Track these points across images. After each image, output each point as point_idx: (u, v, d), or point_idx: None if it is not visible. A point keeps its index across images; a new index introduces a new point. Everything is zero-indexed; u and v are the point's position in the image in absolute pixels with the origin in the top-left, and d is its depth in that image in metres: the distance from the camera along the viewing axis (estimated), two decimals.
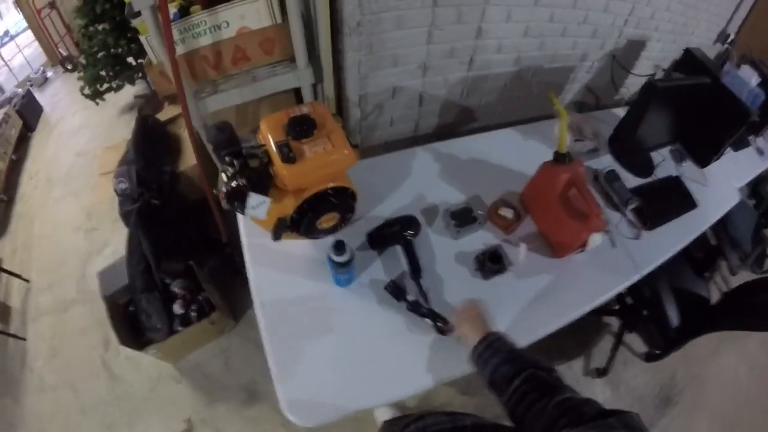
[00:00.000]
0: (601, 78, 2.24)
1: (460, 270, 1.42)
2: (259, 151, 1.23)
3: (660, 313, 1.96)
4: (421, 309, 1.26)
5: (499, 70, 1.88)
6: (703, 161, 1.99)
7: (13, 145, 3.74)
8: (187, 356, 2.31)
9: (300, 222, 1.31)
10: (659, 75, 2.33)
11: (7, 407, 2.31)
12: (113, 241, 2.81)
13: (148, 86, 3.66)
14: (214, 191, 1.29)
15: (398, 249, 1.42)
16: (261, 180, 1.19)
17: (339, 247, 1.20)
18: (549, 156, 1.47)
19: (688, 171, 1.97)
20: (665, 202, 1.77)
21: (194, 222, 2.42)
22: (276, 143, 1.18)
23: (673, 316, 1.94)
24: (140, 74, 3.29)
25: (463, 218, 1.49)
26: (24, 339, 2.55)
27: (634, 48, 2.16)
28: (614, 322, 2.56)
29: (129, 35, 3.01)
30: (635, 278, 1.52)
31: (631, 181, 1.81)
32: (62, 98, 4.49)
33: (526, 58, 1.89)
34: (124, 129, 3.62)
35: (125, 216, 2.17)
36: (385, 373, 1.20)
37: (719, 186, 1.98)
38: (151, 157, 2.34)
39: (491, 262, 1.37)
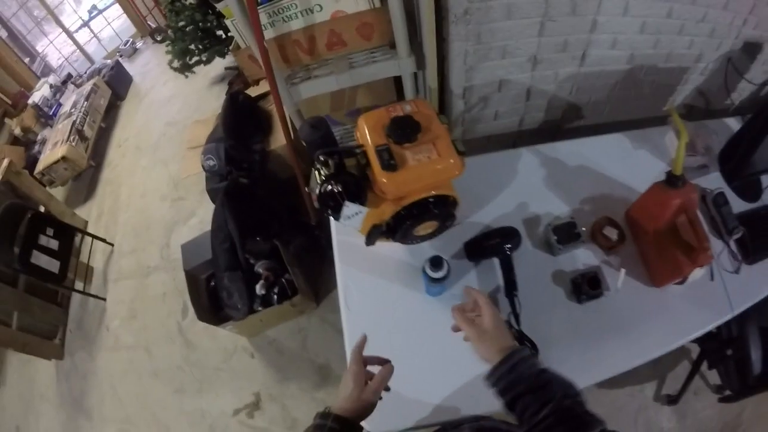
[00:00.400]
0: (713, 81, 1.93)
1: (555, 290, 1.26)
2: (357, 151, 1.08)
3: (743, 356, 1.70)
4: (511, 329, 1.13)
5: (611, 68, 1.66)
6: None
7: (102, 114, 3.79)
8: (265, 332, 2.25)
9: (397, 229, 1.17)
10: None
11: (82, 360, 2.38)
12: (199, 212, 2.78)
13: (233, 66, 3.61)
14: (306, 189, 1.16)
15: (494, 261, 1.27)
16: (358, 187, 1.03)
17: (437, 263, 1.10)
18: (659, 170, 1.31)
19: None
20: (763, 236, 1.44)
21: (283, 201, 2.30)
22: (376, 148, 1.03)
23: (757, 363, 1.68)
24: (229, 48, 3.21)
25: (565, 234, 1.29)
26: (104, 299, 2.61)
27: (751, 51, 1.84)
28: (694, 348, 2.20)
29: (217, 10, 2.93)
30: (728, 317, 1.30)
31: (734, 203, 1.50)
32: (152, 68, 4.50)
33: (640, 56, 1.66)
34: (215, 100, 3.57)
35: (212, 193, 2.10)
36: (465, 390, 1.10)
37: None
38: (241, 135, 2.22)
39: (589, 287, 1.21)
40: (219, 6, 1.35)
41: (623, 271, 1.27)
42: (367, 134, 1.06)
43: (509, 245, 1.25)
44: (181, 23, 2.92)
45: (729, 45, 1.80)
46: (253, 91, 2.69)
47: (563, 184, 1.46)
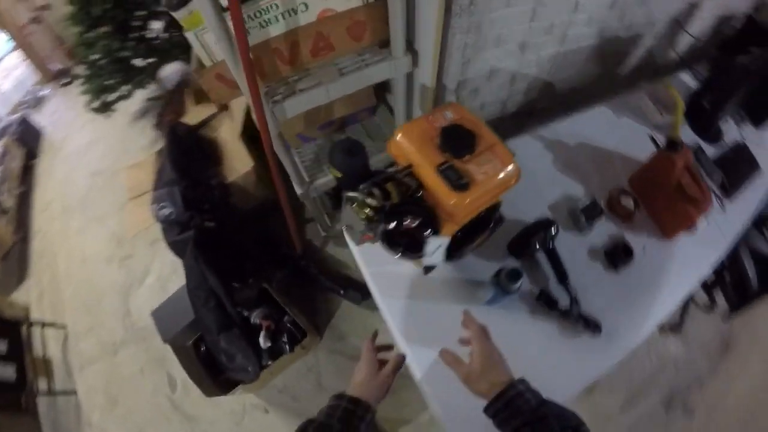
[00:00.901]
0: (661, 42, 2.02)
1: (593, 265, 1.26)
2: (402, 175, 0.83)
3: (741, 276, 1.84)
4: (574, 316, 1.10)
5: (584, 44, 1.61)
6: (759, 122, 1.82)
7: (18, 177, 3.15)
8: (272, 382, 1.90)
9: (457, 249, 0.98)
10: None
11: None
12: (155, 268, 2.30)
13: (162, 87, 3.10)
14: (344, 228, 0.89)
15: (538, 255, 1.19)
16: (434, 216, 0.79)
17: (516, 275, 0.99)
18: (643, 133, 1.56)
19: (747, 133, 1.81)
20: (737, 170, 1.65)
21: (254, 235, 1.96)
22: (439, 167, 0.79)
23: (754, 279, 1.82)
24: (152, 77, 2.75)
25: (591, 213, 1.30)
26: (74, 393, 2.08)
27: (693, 11, 1.95)
28: None
29: (134, 35, 2.45)
30: (727, 249, 1.44)
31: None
32: (63, 115, 3.73)
33: (607, 29, 1.63)
34: (142, 138, 3.03)
35: (175, 246, 1.71)
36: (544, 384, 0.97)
37: None
38: (194, 173, 1.83)
39: (625, 255, 1.24)
40: (178, 15, 1.01)
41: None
42: (416, 151, 0.81)
43: (552, 237, 1.17)
44: (95, 56, 2.43)
45: (678, 8, 1.86)
46: (189, 119, 2.27)
47: (569, 164, 1.44)
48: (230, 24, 0.92)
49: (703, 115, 1.67)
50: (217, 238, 1.72)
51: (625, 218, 1.35)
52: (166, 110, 2.84)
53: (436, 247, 0.78)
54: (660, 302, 1.25)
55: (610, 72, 1.92)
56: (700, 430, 2.19)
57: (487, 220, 0.99)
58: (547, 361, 1.08)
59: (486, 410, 0.71)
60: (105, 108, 2.62)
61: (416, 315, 1.10)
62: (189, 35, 1.07)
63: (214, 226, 1.72)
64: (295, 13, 1.05)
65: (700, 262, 1.38)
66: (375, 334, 0.86)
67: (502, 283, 1.00)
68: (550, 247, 1.16)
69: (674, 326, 2.32)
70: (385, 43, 1.20)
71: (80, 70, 2.61)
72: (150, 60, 2.61)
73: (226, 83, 1.14)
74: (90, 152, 3.23)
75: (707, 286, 2.16)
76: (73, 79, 3.82)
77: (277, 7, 1.03)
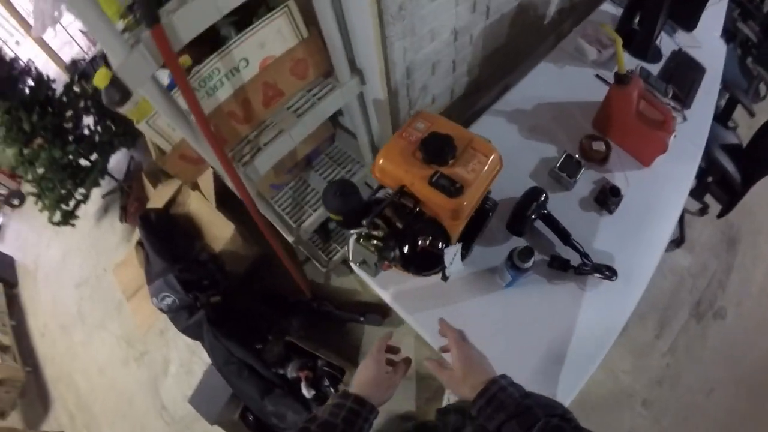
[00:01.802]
0: None
1: (590, 216, 1.29)
2: (398, 198, 0.83)
3: (723, 175, 1.90)
4: (587, 268, 1.13)
5: (506, 10, 1.62)
6: (691, 25, 1.85)
7: (5, 312, 3.05)
8: None
9: (468, 247, 1.02)
10: None
11: None
12: (173, 356, 2.24)
13: (114, 179, 3.02)
14: (357, 265, 0.88)
15: (536, 224, 1.20)
16: (440, 227, 0.79)
17: (528, 253, 0.98)
18: (589, 75, 1.60)
19: (682, 40, 1.87)
20: (685, 77, 1.70)
21: (260, 292, 1.93)
22: (430, 179, 0.80)
23: (735, 173, 1.88)
24: (102, 172, 2.67)
25: (570, 168, 1.31)
26: None
27: None
28: None
29: (71, 137, 2.39)
30: (701, 154, 1.50)
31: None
32: (27, 237, 3.57)
33: None
34: (111, 236, 2.96)
35: (189, 331, 1.67)
36: (583, 342, 1.08)
37: (708, 42, 1.89)
38: (181, 254, 1.79)
39: (612, 196, 1.26)
40: (124, 110, 0.99)
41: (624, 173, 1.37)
42: (404, 172, 0.82)
43: (544, 203, 1.18)
44: (40, 171, 2.35)
45: None
46: (154, 202, 2.22)
47: (534, 129, 1.45)
48: (181, 102, 0.91)
49: (637, 38, 1.71)
50: (227, 309, 1.69)
51: (601, 161, 1.37)
52: (128, 201, 2.78)
53: (453, 255, 0.79)
54: (659, 226, 1.30)
55: (537, 28, 1.95)
56: (736, 325, 2.25)
57: (483, 210, 1.00)
58: (579, 320, 1.10)
59: (471, 409, 0.70)
60: (67, 219, 2.54)
61: (452, 317, 1.08)
62: (141, 126, 1.05)
63: (220, 299, 1.68)
64: (238, 71, 1.04)
65: (681, 176, 1.43)
66: (389, 335, 0.84)
67: (517, 264, 1.00)
68: (545, 213, 1.18)
69: (677, 240, 2.37)
70: (329, 72, 1.20)
71: (29, 187, 2.53)
72: (95, 156, 2.55)
73: (192, 161, 1.12)
74: (67, 265, 3.12)
75: (695, 193, 2.20)
76: (24, 199, 3.69)
77: (219, 70, 1.02)
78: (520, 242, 1.18)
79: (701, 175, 1.99)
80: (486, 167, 0.83)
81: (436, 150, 0.79)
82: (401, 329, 1.94)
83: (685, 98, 1.59)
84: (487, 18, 1.53)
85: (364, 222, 0.79)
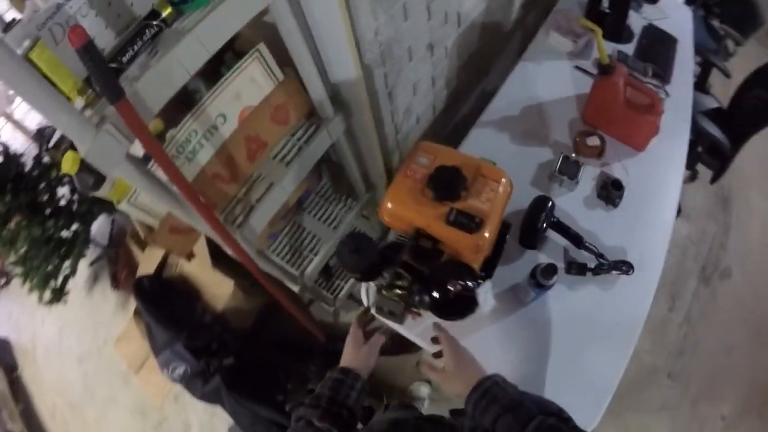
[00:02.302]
0: None
1: (596, 213, 1.25)
2: (415, 242, 0.76)
3: (713, 143, 1.88)
4: (604, 267, 1.10)
5: (476, 15, 1.58)
6: None
7: (11, 398, 2.88)
8: None
9: (489, 274, 0.98)
10: None
11: None
12: (192, 420, 2.11)
13: (99, 246, 2.90)
14: (385, 317, 0.81)
15: (549, 233, 1.16)
16: (462, 268, 0.73)
17: (552, 271, 0.94)
18: (568, 68, 1.56)
19: (649, 14, 1.85)
20: (659, 52, 1.69)
21: (272, 344, 1.84)
22: (447, 218, 0.73)
23: (723, 138, 1.86)
24: (86, 242, 2.54)
25: (569, 169, 1.27)
26: None
27: None
28: None
29: (49, 209, 2.26)
30: (689, 127, 1.49)
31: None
32: (19, 316, 3.39)
33: None
34: (106, 306, 2.81)
35: (207, 398, 1.57)
36: (614, 339, 1.07)
37: (673, 11, 1.89)
38: (183, 320, 1.69)
39: (615, 189, 1.24)
40: (101, 194, 0.91)
41: (622, 163, 1.34)
42: (417, 214, 0.75)
43: (550, 210, 1.13)
44: (22, 250, 2.22)
45: None
46: (144, 268, 2.08)
47: (525, 134, 1.40)
48: (161, 173, 0.83)
49: (608, 21, 1.68)
50: (242, 369, 1.60)
51: (598, 155, 1.34)
52: (117, 268, 2.65)
53: (485, 291, 0.73)
54: (663, 208, 1.29)
55: (504, 26, 1.92)
56: (742, 282, 2.25)
57: (501, 235, 0.94)
58: (604, 319, 1.09)
59: (466, 404, 0.71)
60: (57, 296, 2.41)
61: (478, 345, 1.01)
62: (122, 207, 0.96)
63: (233, 360, 1.59)
64: (216, 129, 0.96)
65: (675, 153, 1.42)
66: (364, 312, 0.86)
67: (542, 282, 0.96)
68: (555, 221, 1.14)
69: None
70: (311, 112, 1.13)
71: (12, 267, 2.39)
72: (76, 227, 2.42)
73: (183, 232, 1.04)
74: (64, 341, 2.96)
75: (686, 164, 2.21)
76: (9, 278, 3.52)
77: (197, 132, 0.94)
78: (533, 255, 1.15)
79: (690, 146, 1.98)
80: (500, 194, 0.77)
81: (447, 186, 0.73)
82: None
83: (664, 74, 1.57)
84: (459, 26, 1.49)
85: (385, 273, 0.72)
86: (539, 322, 1.06)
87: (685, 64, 1.69)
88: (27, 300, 2.61)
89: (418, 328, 0.99)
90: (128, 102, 0.63)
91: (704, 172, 2.13)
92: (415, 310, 0.78)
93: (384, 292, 0.75)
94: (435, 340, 0.83)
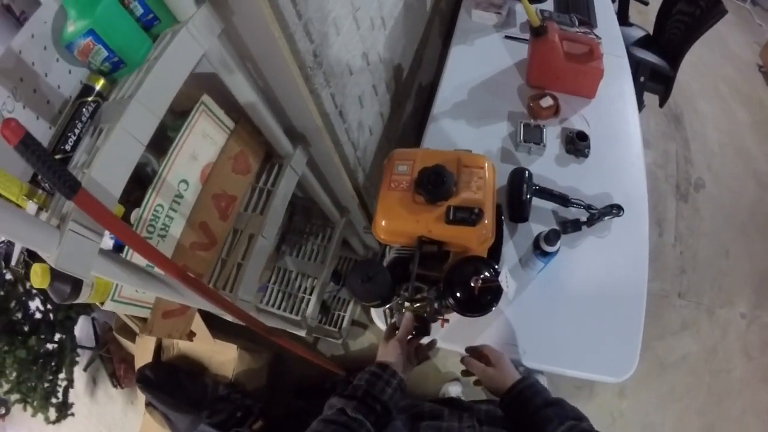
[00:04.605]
0: None
1: (572, 168, 1.27)
2: (419, 251, 0.73)
3: (653, 69, 1.95)
4: (596, 217, 1.12)
5: (397, 12, 1.56)
6: None
7: None
8: None
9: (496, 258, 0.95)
10: None
11: None
12: None
13: (88, 348, 2.73)
14: (392, 320, 0.78)
15: (534, 200, 1.16)
16: (476, 261, 0.70)
17: (556, 235, 0.93)
18: (499, 39, 1.59)
19: None
20: (576, 1, 1.71)
21: (294, 394, 1.77)
22: (447, 219, 0.71)
23: (662, 63, 1.93)
24: (73, 348, 2.38)
25: (532, 134, 1.29)
26: None
27: None
28: None
29: (27, 326, 2.12)
30: (627, 59, 1.57)
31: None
32: None
33: None
34: (112, 406, 2.64)
35: None
36: (626, 284, 1.08)
37: None
38: (199, 398, 1.60)
39: (580, 141, 1.27)
40: (81, 300, 0.83)
41: (580, 113, 1.38)
42: (415, 222, 0.72)
43: (529, 179, 1.16)
44: (14, 375, 2.07)
45: None
46: (140, 358, 1.98)
47: (480, 114, 1.40)
48: (138, 259, 0.77)
49: None
50: (273, 428, 1.52)
51: (555, 113, 1.35)
52: (114, 365, 2.51)
53: (505, 278, 0.70)
54: (631, 142, 1.34)
55: (422, 15, 1.90)
56: (716, 186, 2.33)
57: (497, 217, 0.92)
58: (610, 268, 1.10)
59: (511, 389, 0.71)
60: (63, 412, 2.25)
61: (504, 330, 1.00)
62: (107, 306, 0.89)
63: (262, 423, 1.52)
64: (182, 196, 0.90)
65: (623, 88, 1.47)
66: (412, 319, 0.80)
67: (546, 249, 0.95)
68: (537, 188, 1.16)
69: None
70: (270, 153, 1.08)
71: (7, 394, 2.22)
72: (59, 336, 2.27)
73: (178, 314, 0.97)
74: None
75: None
76: (9, 407, 3.30)
77: (163, 206, 0.87)
78: (526, 227, 1.15)
79: (632, 78, 2.05)
80: (487, 179, 0.75)
81: (437, 186, 0.71)
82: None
83: (589, 19, 1.63)
84: (385, 29, 1.47)
85: (402, 292, 0.69)
86: (554, 288, 1.06)
87: (603, 4, 1.76)
88: (34, 424, 2.44)
89: (451, 334, 0.93)
90: (87, 192, 0.55)
91: (650, 99, 2.19)
92: (441, 317, 0.75)
93: (404, 310, 0.71)
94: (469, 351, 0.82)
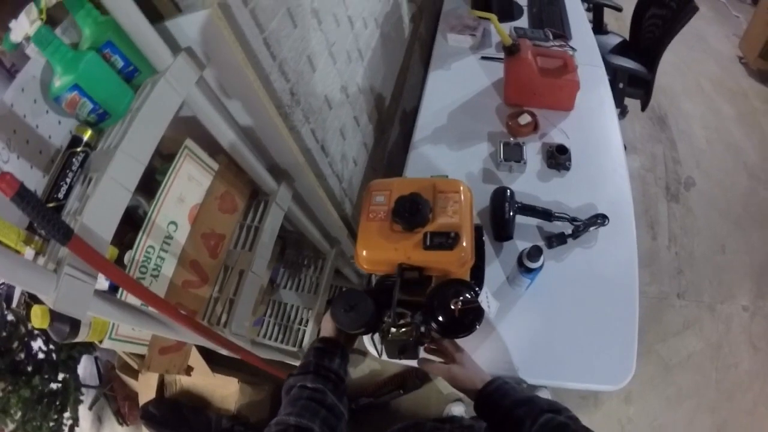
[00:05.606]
0: None
1: (554, 182, 1.28)
2: (401, 278, 0.75)
3: (632, 74, 1.97)
4: (581, 228, 1.13)
5: (373, 42, 1.61)
6: None
7: None
8: None
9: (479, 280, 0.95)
10: None
11: None
12: None
13: (92, 387, 2.73)
14: (396, 359, 0.80)
15: (518, 218, 1.17)
16: (455, 283, 0.72)
17: (537, 252, 0.95)
18: (476, 61, 1.63)
19: None
20: (551, 14, 1.79)
21: None
22: (423, 245, 0.73)
23: (639, 68, 1.95)
24: (77, 387, 2.39)
25: (512, 153, 1.30)
26: None
27: None
28: None
29: (30, 366, 2.14)
30: (603, 69, 1.59)
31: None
32: None
33: (380, 15, 1.64)
34: None
35: None
36: (615, 292, 1.09)
37: None
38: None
39: (560, 155, 1.28)
40: (80, 339, 0.86)
41: (559, 127, 1.40)
42: (394, 250, 0.75)
43: (512, 197, 1.17)
44: (19, 415, 2.07)
45: None
46: (144, 395, 1.98)
47: (461, 137, 1.42)
48: (133, 299, 0.79)
49: (497, 6, 1.74)
50: None
51: (534, 129, 1.37)
52: (118, 403, 2.51)
53: (486, 298, 0.73)
54: (612, 151, 1.35)
55: (401, 43, 1.96)
56: (707, 183, 2.35)
57: (477, 239, 0.94)
58: (601, 275, 1.10)
59: (480, 393, 0.71)
60: None
61: (494, 348, 1.01)
62: (105, 344, 0.92)
63: None
64: (171, 237, 0.93)
65: (602, 97, 1.49)
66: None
67: (530, 266, 0.96)
68: (519, 205, 1.17)
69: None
70: (256, 190, 1.12)
71: None
72: (62, 376, 2.28)
73: (174, 350, 1.00)
74: None
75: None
76: None
77: (154, 248, 0.90)
78: (512, 246, 1.16)
79: (612, 85, 2.08)
80: (463, 203, 0.78)
81: (413, 213, 0.73)
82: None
83: (563, 32, 1.68)
84: (363, 60, 1.51)
85: (385, 319, 0.71)
86: (545, 303, 1.07)
87: (577, 15, 1.81)
88: None
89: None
90: (80, 238, 0.60)
91: (632, 104, 2.23)
92: (426, 340, 0.77)
93: (390, 336, 0.73)
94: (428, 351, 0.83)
